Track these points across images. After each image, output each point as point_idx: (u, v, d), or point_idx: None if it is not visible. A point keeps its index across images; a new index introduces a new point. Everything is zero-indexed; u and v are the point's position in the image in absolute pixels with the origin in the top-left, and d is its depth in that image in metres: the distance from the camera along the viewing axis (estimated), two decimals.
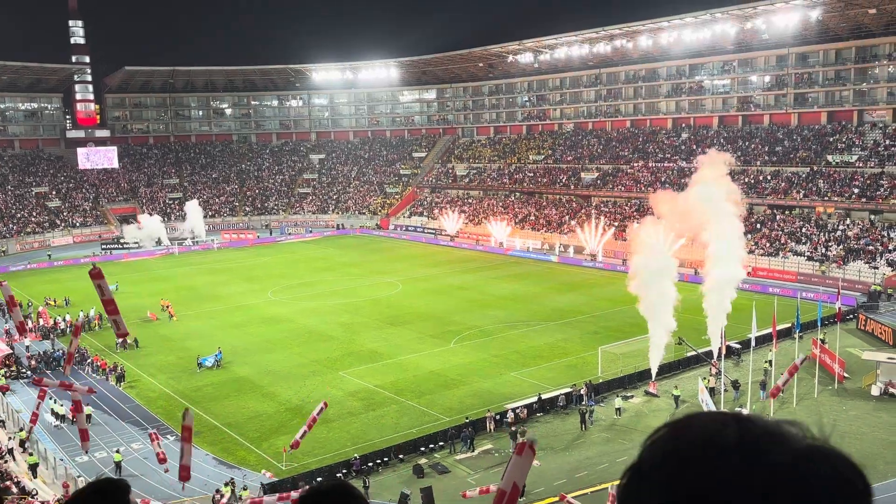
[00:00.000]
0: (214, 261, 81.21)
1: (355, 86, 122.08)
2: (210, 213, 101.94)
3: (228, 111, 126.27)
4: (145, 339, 47.90)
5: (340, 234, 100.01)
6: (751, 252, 63.66)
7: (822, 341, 39.87)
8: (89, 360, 43.35)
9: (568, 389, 35.87)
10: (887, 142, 71.42)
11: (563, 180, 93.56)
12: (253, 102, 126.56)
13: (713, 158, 39.96)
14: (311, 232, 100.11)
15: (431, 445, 31.19)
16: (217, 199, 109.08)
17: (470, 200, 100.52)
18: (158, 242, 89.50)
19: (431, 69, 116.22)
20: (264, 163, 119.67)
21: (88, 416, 33.88)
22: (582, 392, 35.24)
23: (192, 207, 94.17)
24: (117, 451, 30.97)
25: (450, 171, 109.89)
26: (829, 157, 72.98)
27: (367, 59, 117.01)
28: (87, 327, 50.21)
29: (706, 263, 38.92)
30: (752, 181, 74.19)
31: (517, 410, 33.50)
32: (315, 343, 46.90)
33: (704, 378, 36.49)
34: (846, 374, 37.24)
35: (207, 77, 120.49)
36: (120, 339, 39.56)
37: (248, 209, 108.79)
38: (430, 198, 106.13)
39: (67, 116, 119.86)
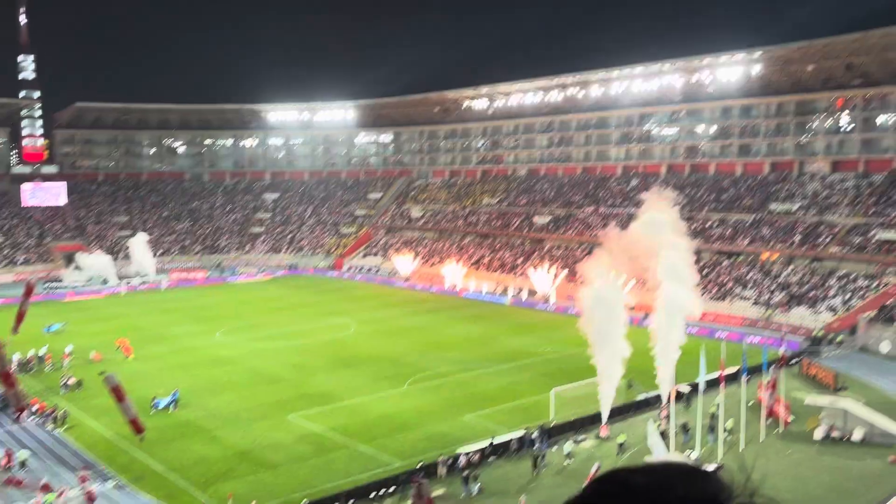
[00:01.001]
0: (162, 300, 79.53)
1: (312, 127, 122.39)
2: (160, 252, 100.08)
3: (182, 149, 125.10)
4: (89, 381, 46.39)
5: (293, 275, 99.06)
6: (699, 297, 65.01)
7: (768, 385, 40.67)
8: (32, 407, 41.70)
9: (520, 433, 35.80)
10: (826, 192, 74.22)
11: (517, 223, 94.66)
12: (207, 141, 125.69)
13: (657, 198, 41.15)
14: (263, 272, 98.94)
15: (382, 491, 30.70)
16: (167, 238, 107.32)
17: (425, 242, 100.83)
18: (105, 282, 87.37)
19: (388, 112, 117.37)
20: (217, 201, 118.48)
21: (23, 463, 32.67)
22: (534, 436, 35.21)
23: (137, 243, 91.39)
24: (51, 495, 29.71)
25: (405, 212, 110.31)
26: (772, 206, 75.44)
27: (324, 101, 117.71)
28: (27, 368, 48.52)
29: (656, 302, 39.55)
30: (700, 228, 76.10)
31: (469, 455, 33.27)
32: (264, 385, 46.06)
33: (655, 421, 36.82)
34: (791, 418, 38.00)
35: (161, 115, 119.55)
36: (16, 414, 37.92)
37: (199, 248, 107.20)
38: (385, 239, 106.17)
39: (14, 152, 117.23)
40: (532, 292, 76.63)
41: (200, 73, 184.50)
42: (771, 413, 37.81)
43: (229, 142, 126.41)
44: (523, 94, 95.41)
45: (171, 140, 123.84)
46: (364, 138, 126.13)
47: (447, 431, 37.52)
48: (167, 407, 40.90)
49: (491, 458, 34.09)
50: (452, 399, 42.82)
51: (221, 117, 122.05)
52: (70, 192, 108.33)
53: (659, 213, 39.29)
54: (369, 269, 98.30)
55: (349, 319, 66.99)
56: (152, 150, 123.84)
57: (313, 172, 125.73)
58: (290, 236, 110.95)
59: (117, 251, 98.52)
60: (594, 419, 37.85)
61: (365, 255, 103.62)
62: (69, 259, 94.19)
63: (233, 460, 34.22)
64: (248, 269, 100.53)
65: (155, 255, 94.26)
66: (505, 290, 79.51)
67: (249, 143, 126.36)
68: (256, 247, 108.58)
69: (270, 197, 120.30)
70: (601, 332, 36.44)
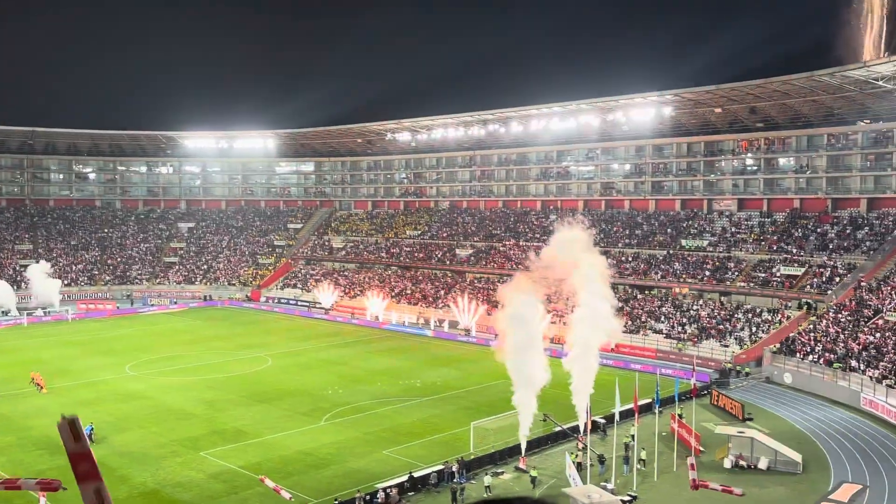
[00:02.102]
0: (68, 333, 75.89)
1: (230, 155, 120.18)
2: (67, 282, 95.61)
3: (92, 175, 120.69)
4: None
5: (208, 306, 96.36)
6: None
7: (680, 416, 41.88)
8: None
9: (440, 467, 35.57)
10: (733, 229, 77.71)
11: (439, 256, 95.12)
12: (120, 168, 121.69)
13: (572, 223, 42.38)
14: (176, 303, 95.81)
15: None
16: (75, 267, 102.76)
17: (346, 273, 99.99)
18: (5, 313, 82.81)
19: (310, 142, 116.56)
20: (129, 230, 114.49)
21: None
22: (454, 469, 35.06)
23: (36, 272, 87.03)
24: None
25: (326, 243, 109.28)
26: (683, 242, 78.41)
27: (244, 129, 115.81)
28: None
29: (571, 334, 40.24)
30: (615, 262, 78.24)
31: (388, 490, 32.80)
32: (175, 421, 44.33)
33: (572, 453, 37.27)
34: (702, 448, 39.12)
35: (71, 140, 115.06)
36: None
37: (108, 278, 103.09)
38: (305, 270, 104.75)
39: None
40: (453, 324, 76.84)
41: (113, 97, 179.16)
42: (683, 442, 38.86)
43: (143, 168, 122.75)
44: (445, 129, 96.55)
45: (80, 166, 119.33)
46: (285, 168, 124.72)
47: (365, 467, 36.93)
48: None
49: (410, 493, 33.69)
50: (371, 434, 42.24)
51: (135, 143, 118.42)
52: None
53: (574, 231, 40.41)
54: (288, 301, 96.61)
55: (265, 353, 65.48)
56: (60, 176, 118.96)
57: (231, 201, 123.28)
58: (205, 266, 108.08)
59: (19, 281, 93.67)
60: (513, 451, 37.99)
61: (283, 287, 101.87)
62: None
63: (139, 500, 32.66)
64: (160, 300, 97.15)
65: (62, 284, 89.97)
66: (426, 323, 79.47)
67: (164, 170, 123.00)
68: (170, 277, 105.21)
69: (185, 226, 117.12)
70: (518, 364, 36.74)
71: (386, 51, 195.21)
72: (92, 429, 40.29)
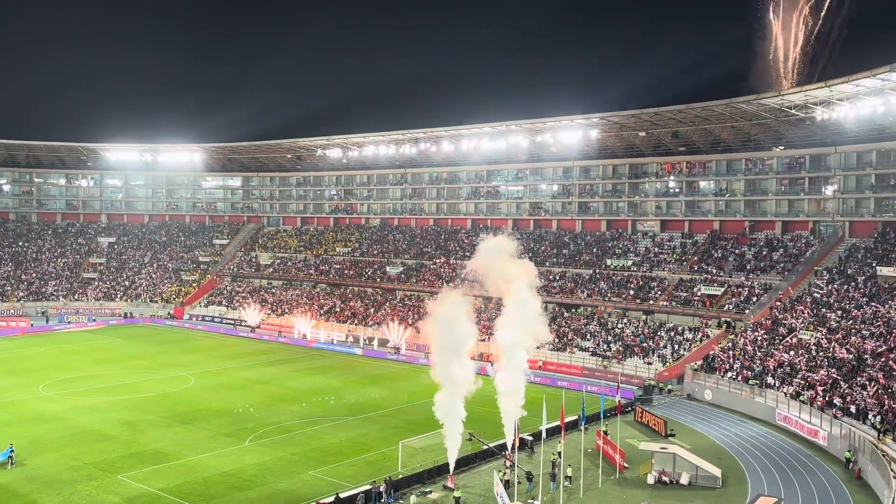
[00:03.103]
0: None
1: (154, 168, 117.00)
2: None
3: (6, 187, 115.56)
4: None
5: (128, 324, 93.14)
6: (540, 347, 67.45)
7: (605, 433, 42.58)
8: None
9: (367, 487, 35.13)
10: (656, 249, 80.00)
11: (369, 273, 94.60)
12: (36, 179, 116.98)
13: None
14: (94, 320, 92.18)
15: None
16: None
17: (273, 290, 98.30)
18: None
19: (238, 157, 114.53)
20: (45, 244, 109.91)
21: None
22: (381, 489, 34.67)
23: None
24: None
25: (253, 259, 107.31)
26: (609, 261, 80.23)
27: (169, 142, 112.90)
28: None
29: (499, 353, 40.35)
30: (543, 281, 79.35)
31: None
32: (91, 444, 42.50)
33: (500, 471, 37.37)
34: (626, 464, 39.83)
35: None
36: None
37: (22, 294, 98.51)
38: (231, 287, 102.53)
39: None
40: (383, 342, 76.39)
41: (31, 106, 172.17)
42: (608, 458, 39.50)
43: (61, 181, 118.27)
44: (377, 146, 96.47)
45: None
46: (211, 182, 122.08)
47: (291, 488, 36.16)
48: (5, 463, 37.56)
49: None
50: (297, 454, 41.45)
51: (53, 155, 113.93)
52: None
53: (500, 240, 40.67)
54: (212, 319, 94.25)
55: (188, 372, 63.64)
56: None
57: (154, 216, 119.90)
58: (126, 283, 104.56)
59: None
60: (442, 470, 37.84)
61: (208, 304, 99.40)
62: None
63: None
64: (77, 317, 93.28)
65: None
66: (355, 341, 78.74)
67: (84, 182, 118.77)
68: (88, 293, 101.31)
69: (106, 240, 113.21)
70: (446, 381, 36.57)
71: (317, 67, 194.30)
72: (12, 450, 38.58)
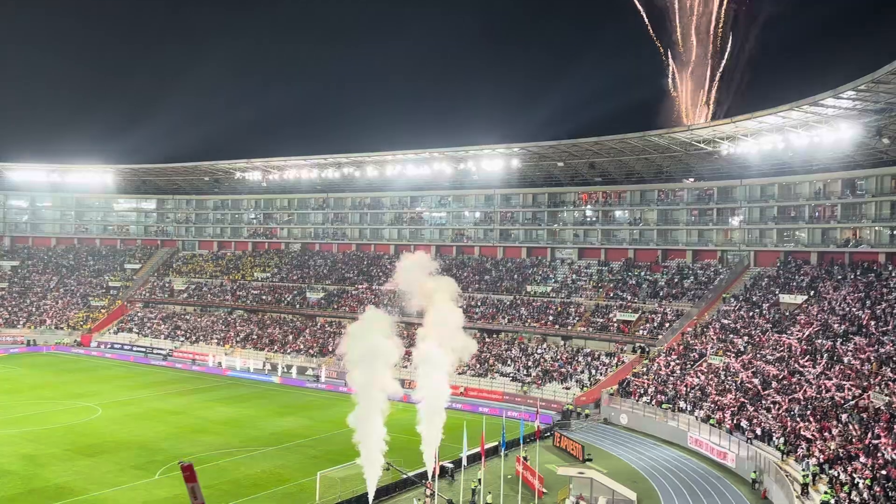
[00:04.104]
0: None
1: (63, 189, 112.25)
2: None
3: None
4: None
5: (31, 352, 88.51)
6: (462, 373, 67.72)
7: (525, 458, 42.92)
8: None
9: None
10: (574, 276, 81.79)
11: (289, 299, 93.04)
12: None
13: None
14: None
15: None
16: None
17: (188, 317, 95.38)
18: None
19: (152, 179, 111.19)
20: None
21: None
22: None
23: None
24: None
25: (167, 284, 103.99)
26: (529, 288, 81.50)
27: (79, 163, 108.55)
28: None
29: (418, 380, 40.00)
30: (465, 306, 79.85)
31: None
32: None
33: (419, 499, 37.09)
34: (545, 490, 40.21)
35: None
36: None
37: None
38: (143, 313, 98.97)
39: None
40: (301, 370, 75.07)
41: None
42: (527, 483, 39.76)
43: None
44: (298, 170, 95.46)
45: None
46: (123, 205, 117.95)
47: None
48: None
49: None
50: (211, 487, 40.03)
51: None
52: None
53: (418, 255, 40.59)
54: (122, 346, 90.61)
55: (95, 402, 60.86)
56: None
57: (62, 238, 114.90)
58: (30, 308, 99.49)
59: None
60: (360, 500, 37.26)
61: (118, 331, 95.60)
62: None
63: None
64: None
65: None
66: (273, 369, 77.10)
67: None
68: None
69: (8, 264, 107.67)
70: (363, 410, 35.72)
71: (234, 87, 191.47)
72: None
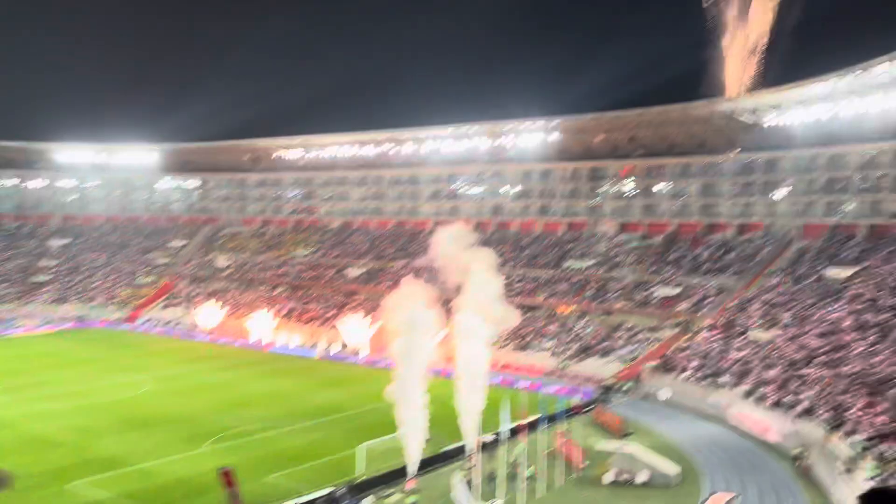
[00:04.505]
0: None
1: (109, 169, 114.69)
2: None
3: None
4: None
5: (82, 328, 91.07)
6: (501, 348, 67.84)
7: (565, 433, 42.95)
8: None
9: (327, 491, 34.92)
10: (614, 251, 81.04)
11: (329, 276, 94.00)
12: None
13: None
14: (46, 324, 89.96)
15: None
16: None
17: (231, 293, 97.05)
18: None
19: (195, 158, 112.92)
20: None
21: None
22: (340, 493, 34.48)
23: None
24: None
25: (210, 261, 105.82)
26: (568, 263, 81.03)
27: (124, 143, 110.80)
28: None
29: (457, 352, 40.23)
30: (504, 282, 79.70)
31: None
32: (42, 451, 41.46)
33: (461, 472, 37.45)
34: (585, 464, 40.26)
35: None
36: None
37: None
38: (188, 289, 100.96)
39: None
40: (343, 346, 75.98)
41: None
42: (567, 459, 39.87)
43: (11, 182, 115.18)
44: (337, 147, 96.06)
45: None
46: (168, 183, 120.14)
47: (250, 493, 35.71)
48: None
49: None
50: (256, 459, 40.99)
51: (2, 155, 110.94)
52: None
53: (454, 228, 40.54)
54: (168, 322, 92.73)
55: (143, 376, 62.47)
56: None
57: (109, 217, 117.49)
58: (79, 286, 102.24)
59: None
60: (402, 473, 37.76)
61: (164, 307, 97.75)
62: None
63: None
64: (28, 321, 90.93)
65: None
66: (315, 344, 78.18)
67: (36, 183, 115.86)
68: (39, 297, 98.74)
69: (58, 243, 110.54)
70: (404, 383, 36.24)
71: (276, 67, 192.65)
72: None
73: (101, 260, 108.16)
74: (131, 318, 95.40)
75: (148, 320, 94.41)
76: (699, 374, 54.91)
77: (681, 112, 68.50)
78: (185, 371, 65.84)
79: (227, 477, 19.27)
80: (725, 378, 52.80)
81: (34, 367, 65.54)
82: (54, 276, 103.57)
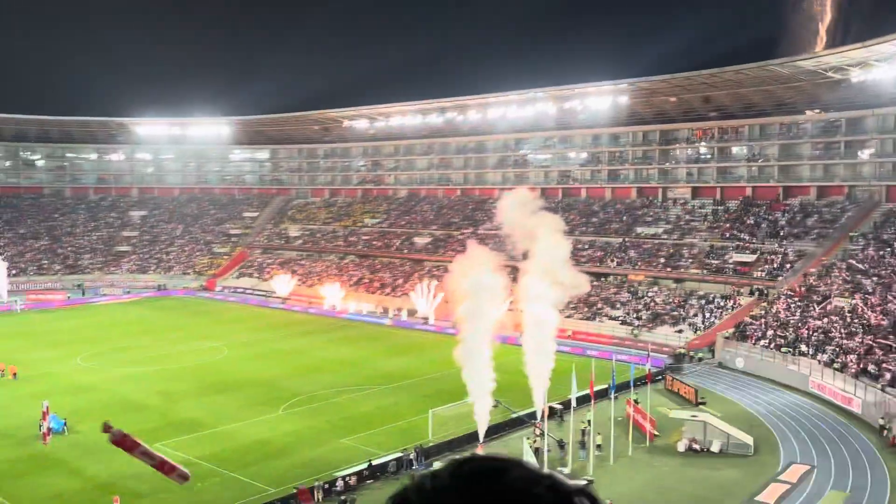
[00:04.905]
0: (16, 324, 73.84)
1: (183, 142, 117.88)
2: (14, 272, 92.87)
3: (40, 163, 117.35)
4: None
5: (162, 296, 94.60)
6: (569, 316, 67.31)
7: (636, 401, 42.52)
8: None
9: (398, 454, 35.58)
10: (687, 217, 78.99)
11: (397, 244, 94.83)
12: (69, 154, 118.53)
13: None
14: (128, 293, 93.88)
15: None
16: (23, 257, 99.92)
17: (303, 262, 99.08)
18: None
19: (265, 129, 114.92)
20: (79, 218, 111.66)
21: None
22: (412, 457, 35.08)
23: None
24: None
25: (282, 231, 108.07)
26: (639, 229, 79.44)
27: (198, 116, 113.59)
28: None
29: (524, 316, 40.10)
30: (572, 250, 78.81)
31: (346, 478, 32.70)
32: (128, 413, 43.43)
33: (529, 438, 37.58)
34: (656, 432, 39.80)
35: (18, 126, 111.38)
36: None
37: (58, 268, 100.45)
38: (261, 259, 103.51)
39: None
40: (412, 313, 76.78)
41: (61, 82, 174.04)
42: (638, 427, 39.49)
43: (93, 155, 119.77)
44: (403, 116, 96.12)
45: (28, 153, 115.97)
46: (239, 155, 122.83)
47: (324, 456, 36.73)
48: (61, 431, 39.25)
49: (369, 481, 33.64)
50: (329, 423, 42.03)
51: (85, 130, 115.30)
52: None
53: (519, 192, 40.20)
54: (243, 290, 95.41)
55: (221, 343, 64.58)
56: (7, 163, 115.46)
57: (185, 189, 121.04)
58: (158, 255, 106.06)
59: None
60: (471, 438, 38.14)
61: (239, 276, 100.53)
62: None
63: (94, 493, 32.03)
64: (112, 289, 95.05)
65: (8, 275, 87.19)
66: (384, 311, 79.24)
67: (115, 157, 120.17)
68: (122, 266, 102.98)
69: (138, 214, 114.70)
70: (471, 350, 36.26)
71: (342, 38, 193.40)
72: (65, 424, 39.77)
73: (178, 230, 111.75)
74: (208, 287, 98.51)
75: (224, 288, 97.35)
76: (777, 343, 53.34)
77: (759, 71, 65.63)
78: (261, 337, 67.76)
79: (304, 495, 19.58)
80: (805, 346, 51.14)
81: (119, 334, 68.54)
82: (135, 247, 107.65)
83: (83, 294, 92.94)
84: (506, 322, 42.75)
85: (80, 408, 44.19)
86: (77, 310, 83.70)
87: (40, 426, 38.75)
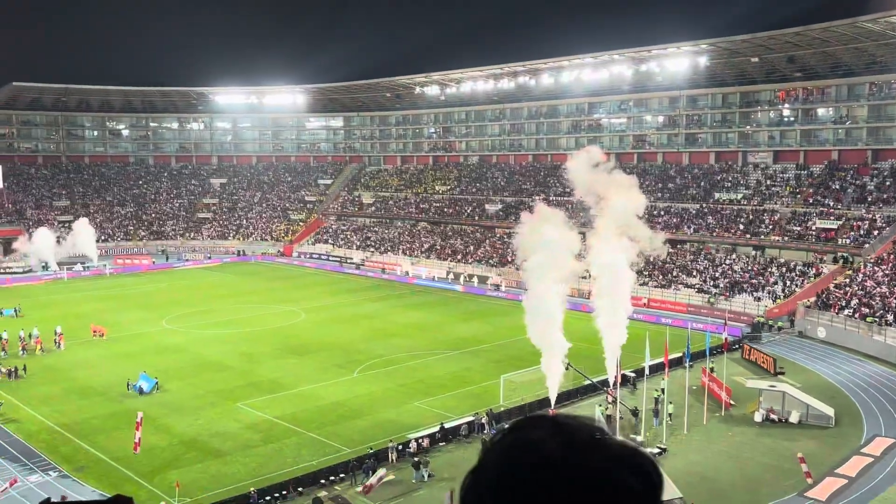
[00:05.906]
0: (106, 287, 77.66)
1: (260, 110, 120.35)
2: (103, 238, 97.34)
3: (125, 132, 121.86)
4: (30, 369, 45.16)
5: (241, 261, 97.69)
6: (644, 284, 66.33)
7: (711, 370, 41.82)
8: None
9: (470, 418, 36.09)
10: (768, 182, 76.28)
11: (469, 211, 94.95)
12: (152, 124, 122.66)
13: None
14: (210, 258, 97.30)
15: (332, 477, 30.65)
16: (111, 223, 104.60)
17: (376, 229, 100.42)
18: (46, 267, 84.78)
19: (338, 97, 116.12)
20: (162, 186, 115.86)
21: None
22: (483, 421, 35.53)
23: (82, 227, 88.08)
24: None
25: (356, 199, 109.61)
26: (717, 195, 77.21)
27: (273, 85, 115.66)
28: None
29: (595, 288, 39.63)
30: (647, 216, 77.34)
31: (420, 440, 33.43)
32: (211, 373, 45.43)
33: (601, 405, 37.51)
34: (732, 402, 39.11)
35: (103, 97, 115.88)
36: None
37: (143, 234, 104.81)
38: (336, 225, 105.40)
39: None
40: (483, 279, 77.07)
41: (144, 53, 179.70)
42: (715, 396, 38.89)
43: (174, 125, 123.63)
44: (474, 82, 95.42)
45: (114, 123, 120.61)
46: (314, 123, 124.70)
47: (397, 418, 37.61)
48: (152, 390, 41.42)
49: (441, 444, 34.31)
50: (403, 386, 42.91)
51: (166, 99, 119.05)
52: (6, 176, 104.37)
53: (589, 150, 39.55)
54: (319, 256, 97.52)
55: (298, 307, 66.41)
56: (94, 133, 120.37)
57: (261, 157, 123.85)
58: (237, 222, 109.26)
59: (58, 237, 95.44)
60: (542, 404, 38.32)
61: (315, 242, 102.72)
62: (7, 244, 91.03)
63: (179, 449, 33.74)
64: (194, 255, 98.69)
65: (98, 240, 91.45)
66: (456, 277, 79.79)
67: (195, 126, 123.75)
68: (203, 233, 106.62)
69: (217, 181, 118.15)
70: (541, 315, 35.89)
71: (416, 3, 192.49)
72: (157, 382, 42.08)
73: (256, 198, 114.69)
74: (286, 252, 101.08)
75: (301, 254, 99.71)
76: (861, 312, 51.36)
77: (848, 27, 62.23)
78: (336, 302, 69.32)
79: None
80: (892, 317, 49.08)
81: (202, 298, 71.27)
82: (215, 214, 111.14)
83: (167, 259, 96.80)
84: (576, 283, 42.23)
85: (166, 368, 46.38)
86: (162, 274, 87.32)
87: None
